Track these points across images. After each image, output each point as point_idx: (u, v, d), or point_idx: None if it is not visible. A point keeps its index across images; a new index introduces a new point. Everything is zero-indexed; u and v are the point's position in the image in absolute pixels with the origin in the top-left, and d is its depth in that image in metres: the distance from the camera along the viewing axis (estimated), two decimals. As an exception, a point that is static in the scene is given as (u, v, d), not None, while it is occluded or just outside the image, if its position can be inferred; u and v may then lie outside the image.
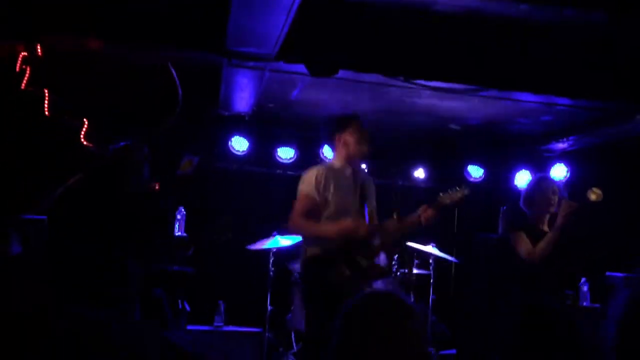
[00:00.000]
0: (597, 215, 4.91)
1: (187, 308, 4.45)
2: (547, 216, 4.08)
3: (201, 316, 5.02)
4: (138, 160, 3.31)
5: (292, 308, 5.54)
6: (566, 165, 6.38)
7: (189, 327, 4.49)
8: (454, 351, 5.64)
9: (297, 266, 5.57)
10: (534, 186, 4.20)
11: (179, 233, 4.90)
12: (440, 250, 5.70)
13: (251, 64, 4.19)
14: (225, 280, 5.92)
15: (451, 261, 6.63)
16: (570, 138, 5.93)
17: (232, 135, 6.10)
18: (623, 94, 4.57)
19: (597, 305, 5.63)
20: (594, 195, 4.34)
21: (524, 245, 3.90)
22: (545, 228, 4.07)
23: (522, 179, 6.64)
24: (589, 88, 4.53)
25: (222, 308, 5.04)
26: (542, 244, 3.82)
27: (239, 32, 3.74)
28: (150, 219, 3.09)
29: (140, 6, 3.76)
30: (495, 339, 5.43)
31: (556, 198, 4.06)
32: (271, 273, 5.33)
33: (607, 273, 5.72)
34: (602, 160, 6.09)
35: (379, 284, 5.49)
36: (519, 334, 3.82)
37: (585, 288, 5.86)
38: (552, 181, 4.20)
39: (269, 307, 5.23)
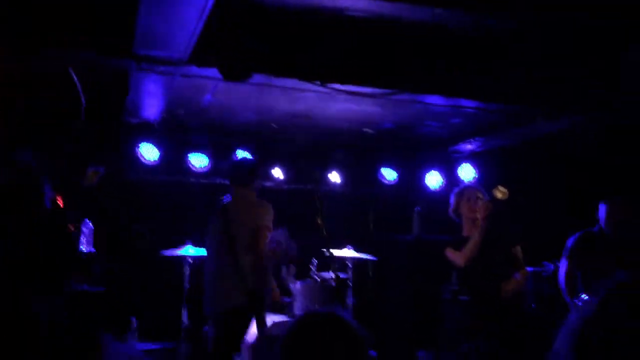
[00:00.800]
0: (504, 213, 5.11)
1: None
2: (477, 222, 4.19)
3: (113, 334, 4.74)
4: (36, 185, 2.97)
5: (209, 321, 5.37)
6: (473, 165, 6.61)
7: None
8: (374, 353, 5.67)
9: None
10: (458, 196, 4.30)
11: (86, 249, 4.60)
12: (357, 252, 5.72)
13: (161, 68, 4.02)
14: (137, 295, 5.65)
15: (369, 263, 6.70)
16: (478, 139, 6.16)
17: (141, 143, 5.84)
18: (525, 97, 4.80)
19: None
20: (499, 193, 4.49)
21: (452, 255, 4.10)
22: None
23: (433, 179, 6.83)
24: (494, 91, 4.72)
25: (134, 324, 4.78)
26: (466, 248, 3.97)
27: (148, 35, 3.57)
28: (55, 239, 2.83)
29: (41, 4, 3.50)
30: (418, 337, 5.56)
31: (481, 203, 4.18)
32: (187, 285, 5.13)
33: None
34: (508, 160, 6.37)
35: (298, 286, 5.45)
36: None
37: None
38: (474, 188, 4.31)
39: (185, 321, 5.03)
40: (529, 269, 5.77)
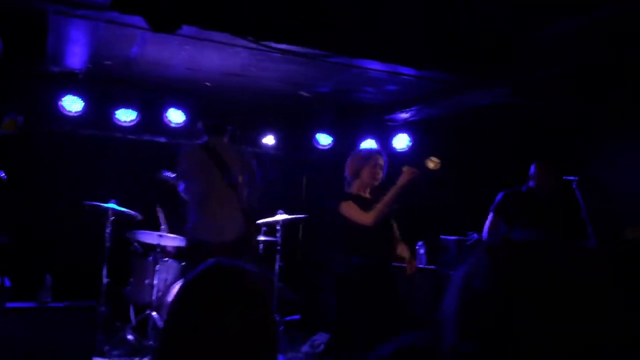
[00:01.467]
0: (434, 183, 5.17)
1: (7, 284, 3.97)
2: (369, 188, 4.14)
3: (27, 292, 4.53)
4: None
5: (130, 280, 5.23)
6: (408, 134, 6.65)
7: (9, 305, 3.99)
8: (298, 316, 5.69)
9: (138, 235, 5.25)
10: (363, 160, 4.21)
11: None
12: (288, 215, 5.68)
13: (82, 12, 3.77)
14: (55, 251, 5.43)
15: (300, 227, 6.68)
16: (413, 108, 6.17)
17: (64, 94, 5.53)
18: (461, 67, 4.81)
19: (432, 267, 6.00)
20: (432, 163, 4.51)
21: (355, 211, 3.96)
22: (368, 196, 4.14)
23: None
24: (430, 60, 4.70)
25: (49, 282, 4.56)
26: (379, 206, 3.89)
27: (67, -26, 3.32)
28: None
29: None
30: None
31: (381, 173, 4.14)
32: (108, 242, 4.95)
33: (441, 236, 6.10)
34: (441, 130, 6.43)
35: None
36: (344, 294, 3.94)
37: (422, 251, 6.21)
38: (379, 155, 4.24)
39: (105, 279, 4.86)
40: (452, 237, 5.92)
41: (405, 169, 3.91)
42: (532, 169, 4.70)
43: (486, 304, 0.83)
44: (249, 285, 1.43)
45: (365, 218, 3.90)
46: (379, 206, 3.89)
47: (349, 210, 3.96)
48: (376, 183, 4.08)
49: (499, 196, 4.75)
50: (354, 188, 4.14)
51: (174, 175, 4.75)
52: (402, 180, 3.86)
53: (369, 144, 6.80)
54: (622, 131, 4.73)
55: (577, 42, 4.01)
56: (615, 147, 4.85)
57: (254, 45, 4.25)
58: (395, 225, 4.21)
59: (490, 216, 4.75)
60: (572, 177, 4.65)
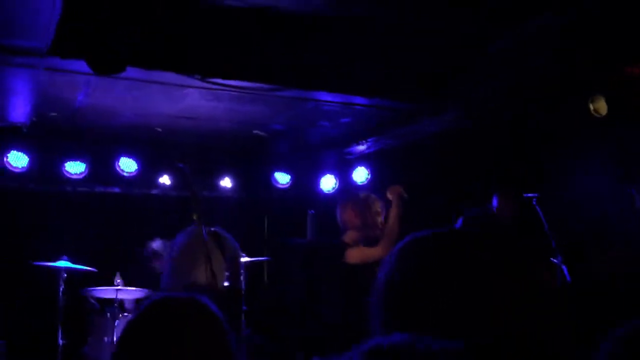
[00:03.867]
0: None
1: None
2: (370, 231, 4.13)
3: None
4: None
5: (88, 339, 4.94)
6: (367, 167, 6.60)
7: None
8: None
9: (93, 291, 5.01)
10: (362, 207, 4.18)
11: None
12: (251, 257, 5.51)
13: (20, 60, 3.64)
14: (6, 315, 5.11)
15: (264, 269, 6.51)
16: (369, 140, 6.14)
17: (9, 150, 5.32)
18: (411, 93, 4.82)
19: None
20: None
21: (365, 253, 3.97)
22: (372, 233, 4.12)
23: (327, 183, 6.76)
24: (383, 88, 4.71)
25: (2, 348, 4.28)
26: (386, 238, 3.90)
27: (1, 20, 3.20)
28: None
29: None
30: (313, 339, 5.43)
31: (380, 219, 4.15)
32: (61, 302, 4.68)
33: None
34: (399, 160, 6.40)
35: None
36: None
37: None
38: (369, 193, 4.27)
39: (61, 341, 4.58)
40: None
41: (392, 189, 3.98)
42: (495, 200, 4.75)
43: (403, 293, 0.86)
44: (200, 312, 1.37)
45: (376, 252, 3.89)
46: (387, 237, 3.90)
47: (358, 254, 3.94)
48: (377, 231, 4.06)
49: (459, 221, 4.72)
50: (354, 234, 4.08)
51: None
52: (395, 200, 3.91)
53: (328, 179, 6.74)
54: (580, 143, 4.80)
55: (523, 53, 4.06)
56: (575, 160, 4.91)
57: (201, 84, 4.19)
58: None
59: None
60: (532, 194, 4.65)
